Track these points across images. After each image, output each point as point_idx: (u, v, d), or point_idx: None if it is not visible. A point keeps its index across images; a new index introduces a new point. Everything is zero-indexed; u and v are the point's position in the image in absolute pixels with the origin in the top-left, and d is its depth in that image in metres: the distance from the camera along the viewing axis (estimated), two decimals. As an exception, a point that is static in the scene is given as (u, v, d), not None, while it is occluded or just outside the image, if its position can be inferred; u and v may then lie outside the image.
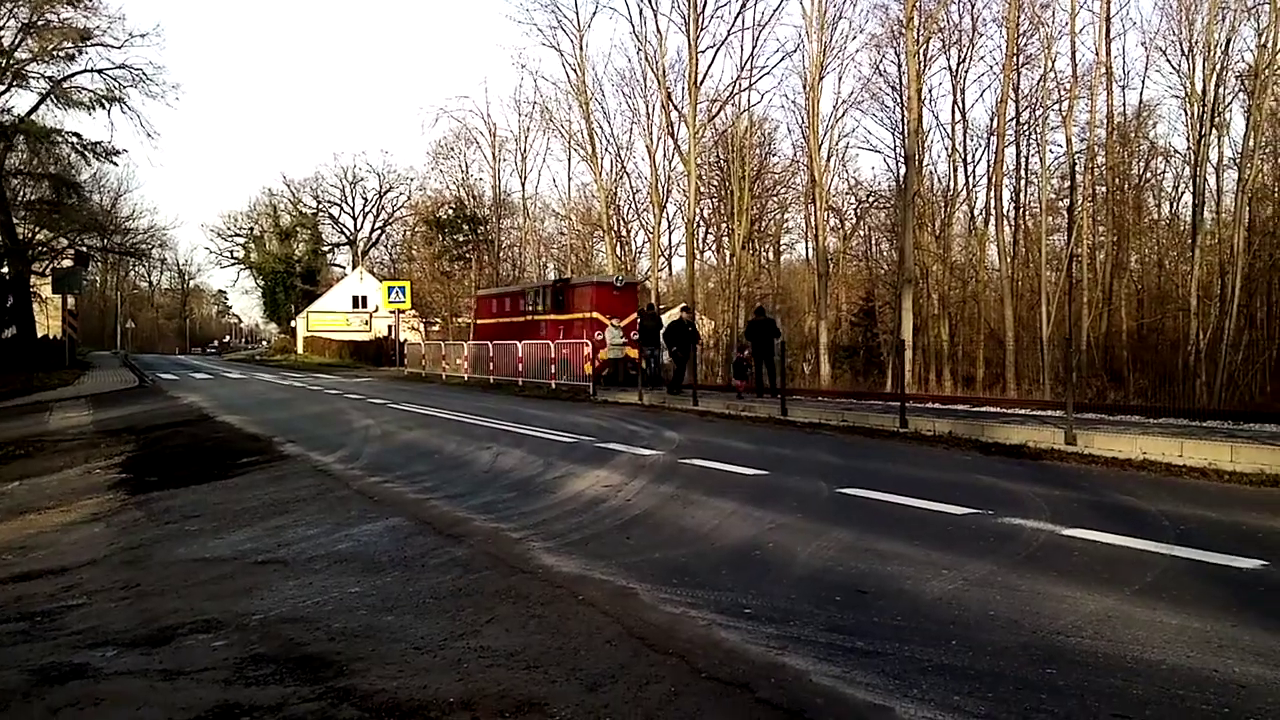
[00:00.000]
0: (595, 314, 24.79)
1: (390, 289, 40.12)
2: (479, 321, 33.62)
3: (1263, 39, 24.83)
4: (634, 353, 22.63)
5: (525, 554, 6.14)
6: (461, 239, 51.22)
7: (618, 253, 40.99)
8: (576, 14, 35.29)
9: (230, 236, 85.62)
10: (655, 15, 34.17)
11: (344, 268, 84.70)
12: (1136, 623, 4.48)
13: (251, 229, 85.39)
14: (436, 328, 56.27)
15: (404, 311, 43.53)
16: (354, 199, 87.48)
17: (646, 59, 34.53)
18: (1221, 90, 26.02)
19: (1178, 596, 4.91)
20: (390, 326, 50.98)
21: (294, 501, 8.58)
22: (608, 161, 39.56)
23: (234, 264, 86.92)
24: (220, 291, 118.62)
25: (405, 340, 43.62)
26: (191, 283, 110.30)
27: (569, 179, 63.75)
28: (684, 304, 25.19)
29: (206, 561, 6.55)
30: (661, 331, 21.14)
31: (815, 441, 12.36)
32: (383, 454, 11.81)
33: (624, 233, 43.91)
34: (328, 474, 10.10)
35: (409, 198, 73.79)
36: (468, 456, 11.31)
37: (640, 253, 44.43)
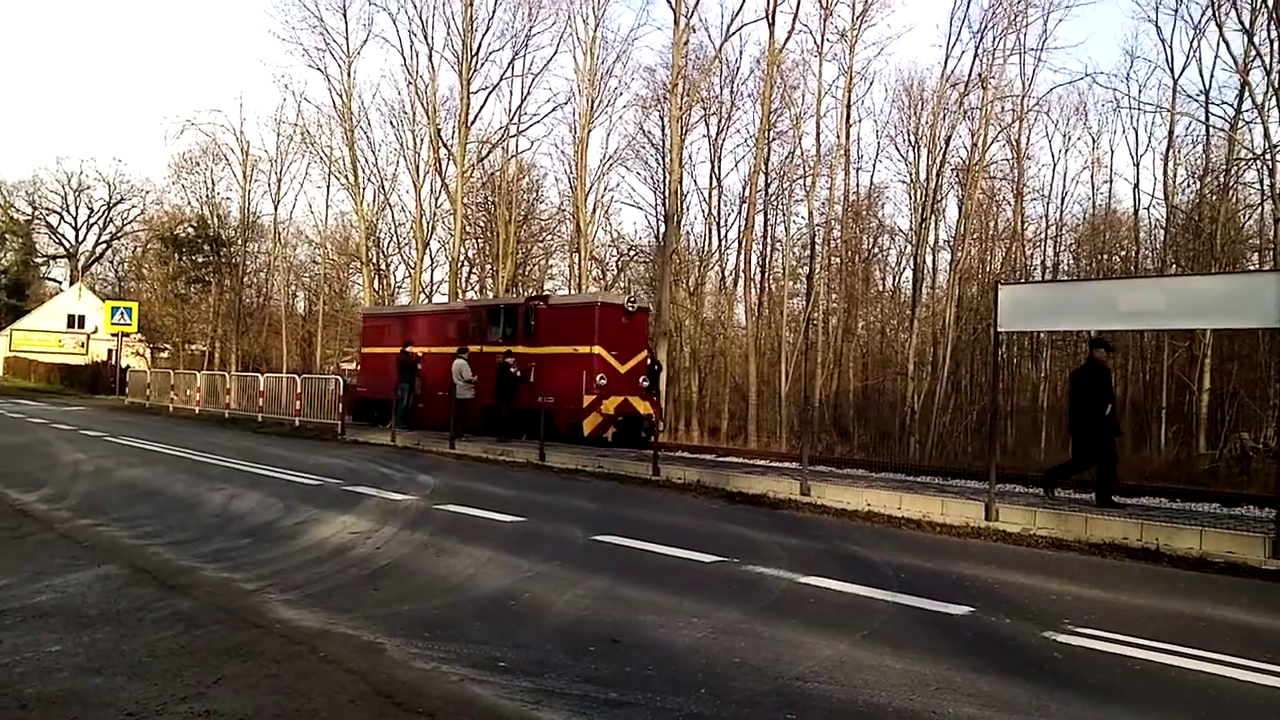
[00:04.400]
0: (598, 349, 17.76)
1: (114, 309, 36.46)
2: (367, 350, 24.40)
3: (975, 139, 28.27)
4: (643, 406, 17.95)
5: (260, 607, 5.68)
6: (202, 260, 47.59)
7: (375, 286, 39.70)
8: (347, 40, 34.08)
9: (-84, 239, 74.64)
10: (430, 51, 33.63)
11: (60, 283, 75.96)
12: (866, 667, 4.80)
13: (-55, 232, 74.88)
14: (166, 354, 51.71)
15: (128, 335, 39.69)
16: (78, 208, 78.96)
17: (417, 94, 34.04)
18: (940, 180, 29.29)
19: (901, 642, 5.31)
20: (111, 351, 46.32)
21: (-19, 547, 7.49)
22: (370, 192, 38.43)
23: (-81, 271, 75.76)
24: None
25: (128, 367, 39.71)
26: None
27: (327, 206, 61.04)
28: (507, 350, 18.50)
29: None
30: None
31: (572, 488, 12.43)
32: (96, 493, 10.61)
33: (384, 266, 42.64)
34: (26, 514, 8.92)
35: (144, 211, 67.58)
36: (197, 498, 10.40)
37: (400, 288, 43.30)
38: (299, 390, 23.27)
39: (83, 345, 62.92)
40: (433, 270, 41.82)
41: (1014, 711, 4.18)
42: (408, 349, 21.54)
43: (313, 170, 44.93)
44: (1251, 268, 23.40)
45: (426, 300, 38.18)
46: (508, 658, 4.75)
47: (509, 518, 9.34)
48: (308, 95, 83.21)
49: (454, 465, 15.09)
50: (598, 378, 17.51)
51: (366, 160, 36.95)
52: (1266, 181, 23.34)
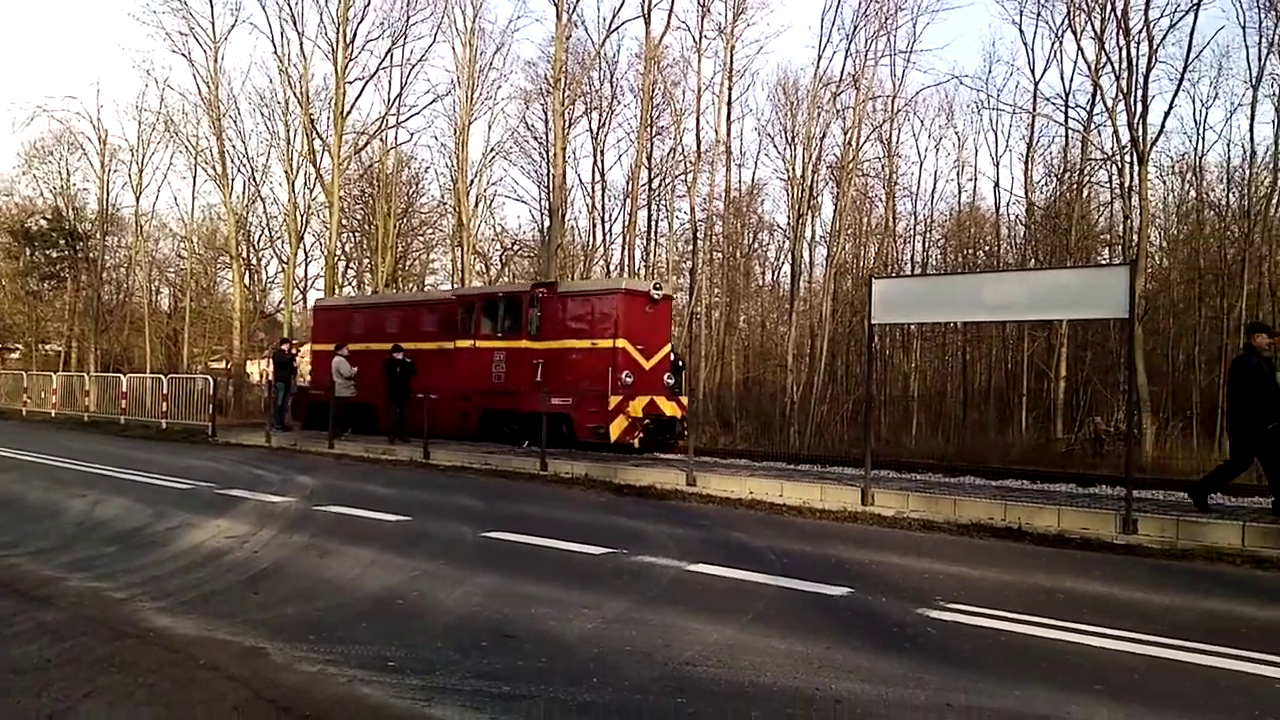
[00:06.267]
0: (623, 343, 15.76)
1: (-42, 308, 33.96)
2: (320, 347, 20.94)
3: (848, 138, 29.17)
4: (669, 407, 16.15)
5: (132, 616, 5.44)
6: (56, 255, 44.73)
7: (246, 282, 38.16)
8: (213, 24, 32.43)
9: None
10: (300, 38, 32.40)
11: (-111, 279, 70.14)
12: (752, 649, 4.94)
13: None
14: (17, 355, 48.42)
15: (-27, 334, 37.03)
16: (-90, 198, 73.16)
17: (289, 82, 32.79)
18: (816, 177, 30.12)
19: (785, 623, 5.49)
20: (-47, 351, 43.15)
21: None
22: (240, 183, 36.77)
23: None
24: None
25: (-27, 368, 37.04)
26: None
27: (193, 198, 58.08)
28: (395, 344, 17.34)
29: None
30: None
31: (459, 485, 12.29)
32: (-59, 504, 9.91)
33: (255, 261, 41.00)
34: None
35: (-12, 203, 63.06)
36: (56, 505, 9.83)
37: (273, 283, 41.74)
38: (165, 391, 22.18)
39: (-83, 345, 58.32)
40: (307, 265, 40.48)
41: (892, 685, 4.39)
42: (282, 346, 20.82)
43: (177, 160, 42.74)
44: (1103, 262, 24.97)
45: (300, 296, 36.96)
46: (397, 657, 4.69)
47: (394, 517, 9.18)
48: (171, 82, 78.96)
49: (334, 465, 14.69)
50: (623, 375, 15.39)
51: (235, 150, 35.34)
52: (1116, 180, 24.92)
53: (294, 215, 34.05)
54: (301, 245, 37.00)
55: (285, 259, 36.89)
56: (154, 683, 4.28)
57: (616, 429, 15.29)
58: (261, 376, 35.40)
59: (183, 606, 5.68)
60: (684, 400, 16.47)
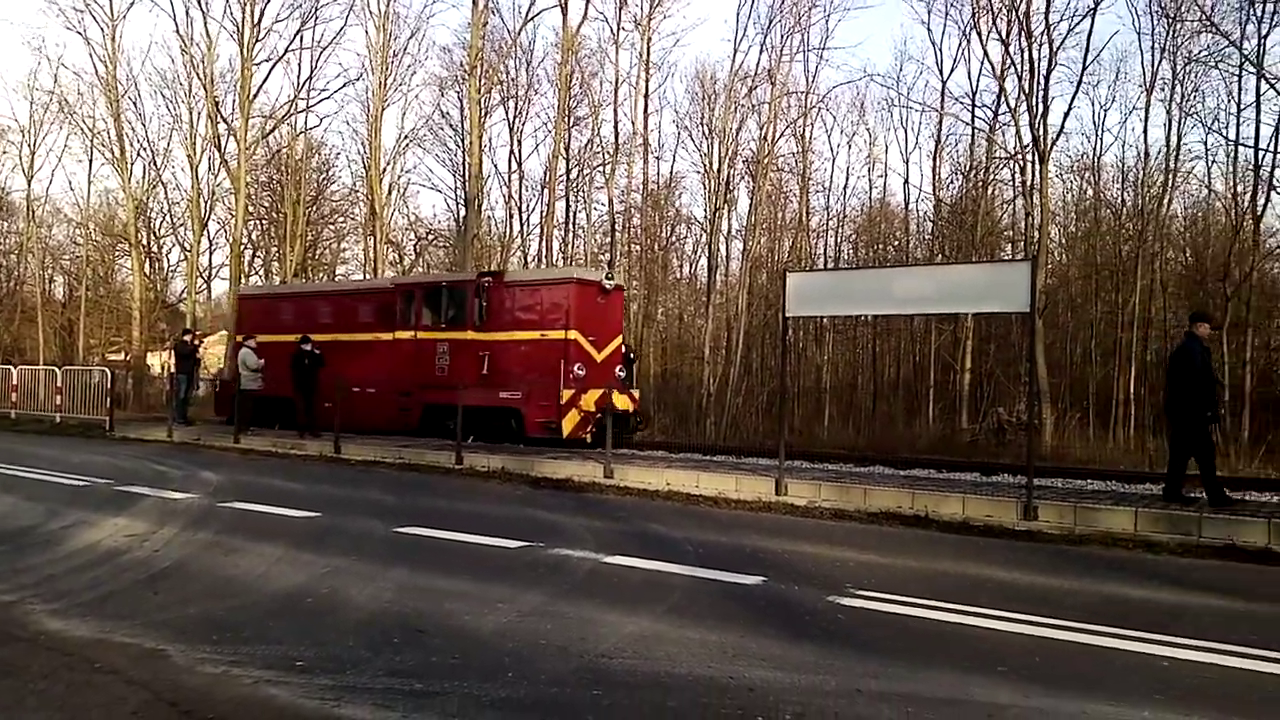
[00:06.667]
0: (575, 334, 15.29)
1: None
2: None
3: (764, 133, 29.52)
4: (622, 401, 15.41)
5: (22, 618, 5.19)
6: (-63, 240, 42.31)
7: (146, 270, 36.70)
8: (110, 1, 31.13)
9: None
10: (205, 18, 31.08)
11: None
12: (667, 640, 4.97)
13: None
14: (-105, 346, 45.68)
15: None
16: None
17: (192, 63, 31.60)
18: (732, 172, 30.42)
19: (700, 613, 5.54)
20: None
21: None
22: (140, 167, 35.30)
23: None
24: None
25: None
26: None
27: (89, 182, 55.40)
28: (303, 335, 16.85)
29: None
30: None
31: (371, 480, 12.07)
32: None
33: (156, 249, 39.44)
34: None
35: None
36: (-61, 504, 9.31)
37: (175, 272, 40.24)
38: (60, 383, 21.22)
39: None
40: (211, 253, 39.11)
41: (804, 672, 4.47)
42: (184, 337, 20.11)
43: (73, 143, 40.76)
44: (1006, 257, 25.83)
45: (204, 285, 35.70)
46: (306, 656, 4.58)
47: (302, 513, 8.96)
48: (66, 60, 75.32)
49: (239, 461, 14.27)
50: (575, 368, 14.98)
51: (135, 133, 33.96)
52: (1019, 179, 25.80)
53: (197, 201, 32.85)
54: (205, 233, 35.75)
55: (188, 247, 35.60)
56: (46, 688, 4.09)
57: (569, 424, 14.87)
58: (163, 369, 34.12)
59: (77, 608, 5.44)
60: (635, 394, 16.22)
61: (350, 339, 17.39)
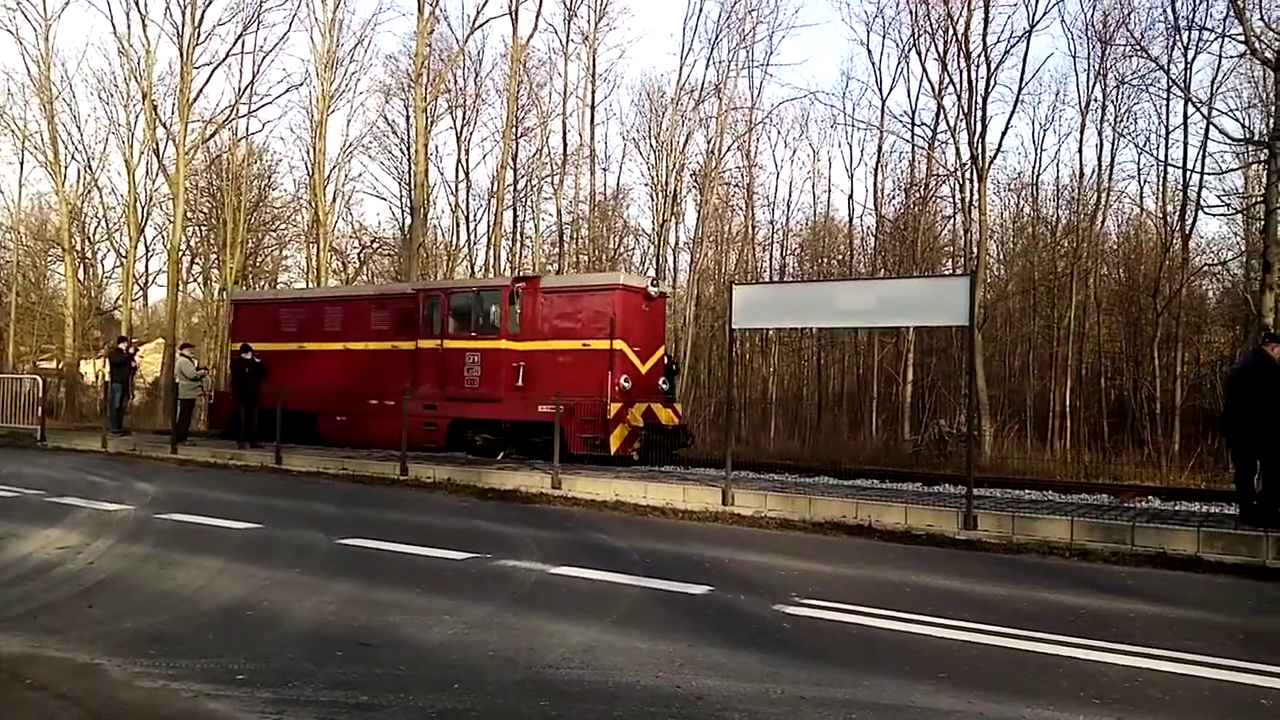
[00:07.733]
0: (621, 344, 14.28)
1: None
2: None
3: (711, 146, 29.75)
4: (665, 415, 14.76)
5: (-54, 636, 5.01)
6: None
7: (80, 276, 35.69)
8: (44, 0, 30.31)
9: None
10: (144, 21, 30.39)
11: None
12: (615, 650, 4.98)
13: None
14: None
15: None
16: None
17: (130, 66, 30.89)
18: (679, 184, 30.60)
19: (647, 623, 5.56)
20: None
21: None
22: (74, 171, 34.39)
23: None
24: None
25: None
26: None
27: (20, 186, 53.81)
28: (244, 343, 16.54)
29: None
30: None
31: (314, 491, 11.87)
32: None
33: (90, 254, 38.39)
34: None
35: None
36: None
37: (110, 278, 39.19)
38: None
39: None
40: (148, 259, 38.19)
41: (749, 680, 4.51)
42: (119, 344, 19.60)
43: (3, 144, 39.61)
44: (946, 272, 26.35)
45: (140, 292, 34.85)
46: (247, 669, 4.49)
47: (242, 525, 8.78)
48: (-5, 59, 73.31)
49: (177, 471, 13.94)
50: (621, 379, 14.05)
51: (69, 136, 33.08)
52: (958, 195, 26.37)
53: (134, 206, 32.05)
54: (142, 239, 34.87)
55: (124, 253, 34.70)
56: (-28, 707, 3.96)
57: (616, 439, 13.92)
58: (97, 377, 33.19)
59: (7, 623, 5.28)
60: (679, 407, 15.69)
61: (364, 348, 16.57)
